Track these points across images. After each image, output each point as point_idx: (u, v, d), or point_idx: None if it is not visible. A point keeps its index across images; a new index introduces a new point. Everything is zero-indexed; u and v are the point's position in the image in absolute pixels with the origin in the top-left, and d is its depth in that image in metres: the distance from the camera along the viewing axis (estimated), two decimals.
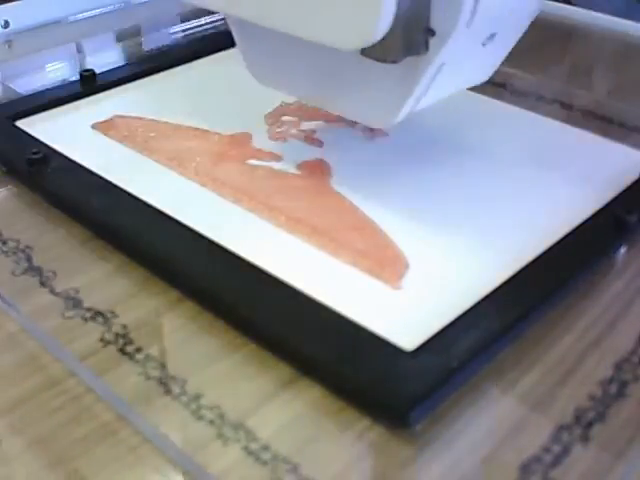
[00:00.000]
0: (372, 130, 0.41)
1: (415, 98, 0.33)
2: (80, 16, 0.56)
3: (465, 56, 0.33)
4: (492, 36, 0.33)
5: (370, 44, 0.29)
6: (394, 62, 0.30)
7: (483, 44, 0.33)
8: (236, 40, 0.38)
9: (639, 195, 0.36)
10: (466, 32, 0.30)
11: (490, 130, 0.42)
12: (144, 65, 0.48)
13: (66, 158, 0.38)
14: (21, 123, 0.42)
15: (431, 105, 0.35)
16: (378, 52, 0.30)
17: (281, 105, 0.44)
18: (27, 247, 0.34)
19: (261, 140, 0.41)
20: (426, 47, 0.30)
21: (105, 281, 0.32)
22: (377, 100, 0.34)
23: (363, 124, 0.37)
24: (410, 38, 0.30)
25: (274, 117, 0.43)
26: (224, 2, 0.34)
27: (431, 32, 0.30)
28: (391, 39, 0.29)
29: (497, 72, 0.37)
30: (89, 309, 0.30)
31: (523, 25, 0.36)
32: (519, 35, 0.36)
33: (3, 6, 0.53)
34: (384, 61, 0.30)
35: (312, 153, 0.39)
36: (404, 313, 0.29)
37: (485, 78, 0.38)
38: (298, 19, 0.31)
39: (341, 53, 0.31)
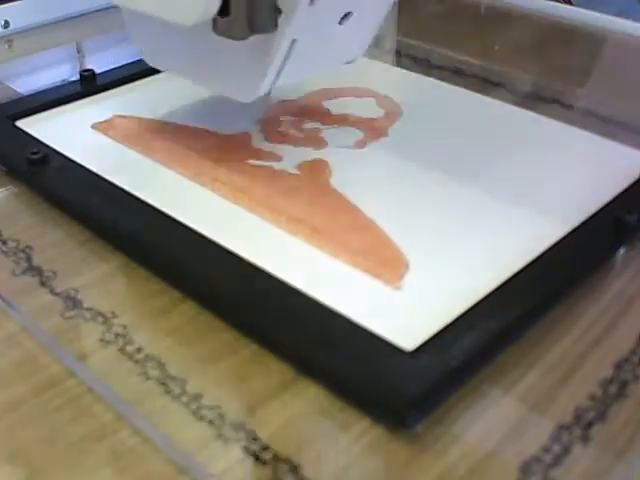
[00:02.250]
0: (372, 130, 0.41)
1: (274, 72, 0.35)
2: (80, 16, 0.56)
3: (320, 34, 0.36)
4: (347, 15, 0.36)
5: (202, 20, 0.32)
6: (242, 39, 0.32)
7: (340, 23, 0.36)
8: (126, 25, 0.40)
9: (639, 195, 0.36)
10: (312, 10, 0.33)
11: (490, 130, 0.42)
12: (144, 65, 0.48)
13: (66, 158, 0.38)
14: (21, 123, 0.42)
15: (296, 80, 0.39)
16: (225, 30, 0.32)
17: (280, 105, 0.44)
18: (27, 247, 0.34)
19: (261, 140, 0.41)
20: (275, 25, 0.32)
21: (105, 281, 0.32)
22: (239, 75, 0.36)
23: (230, 98, 0.38)
24: (258, 16, 0.32)
25: (273, 117, 0.43)
26: None
27: (278, 10, 0.32)
28: (236, 17, 0.32)
29: (497, 72, 0.37)
30: (89, 309, 0.30)
31: (385, 5, 0.38)
32: (382, 14, 0.39)
33: (3, 6, 0.53)
34: (232, 38, 0.32)
35: (312, 153, 0.40)
36: (404, 313, 0.29)
37: (356, 56, 0.40)
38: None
39: (210, 32, 0.33)
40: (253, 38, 0.32)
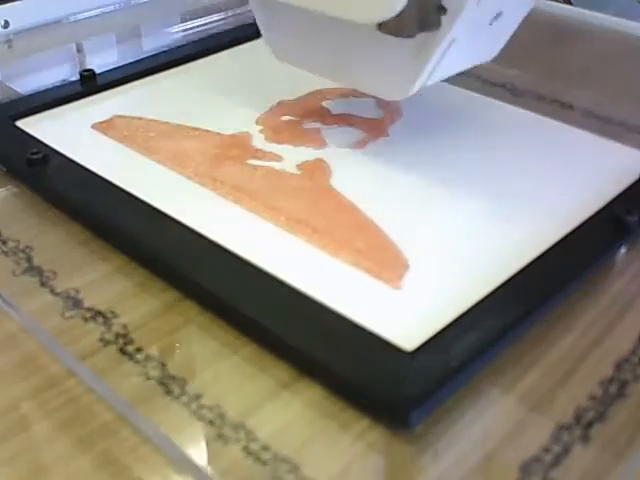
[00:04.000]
0: (373, 130, 0.41)
1: (427, 72, 0.35)
2: (80, 16, 0.56)
3: (473, 33, 0.35)
4: (498, 15, 0.36)
5: (387, 18, 0.31)
6: (410, 37, 0.33)
7: (490, 23, 0.36)
8: (257, 19, 0.41)
9: (639, 195, 0.36)
10: (475, 10, 0.33)
11: (490, 130, 0.42)
12: (144, 65, 0.48)
13: (66, 158, 0.38)
14: (21, 123, 0.42)
15: (441, 79, 0.38)
16: (394, 27, 0.33)
17: (280, 105, 0.44)
18: (27, 247, 0.34)
19: (261, 140, 0.41)
20: (439, 23, 0.33)
21: (105, 281, 0.32)
22: (391, 74, 0.36)
23: (378, 97, 0.40)
24: (424, 15, 0.32)
25: (273, 117, 0.43)
26: None
27: (443, 9, 0.32)
28: (407, 15, 0.32)
29: (497, 72, 0.37)
30: (89, 309, 0.30)
31: (526, 7, 0.38)
32: (522, 17, 0.38)
33: (3, 6, 0.53)
34: (400, 36, 0.33)
35: (312, 153, 0.40)
36: (404, 313, 0.29)
37: (490, 57, 0.39)
38: None
39: (357, 29, 0.34)
40: (402, 38, 0.33)
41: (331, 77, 0.40)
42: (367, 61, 0.37)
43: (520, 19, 0.38)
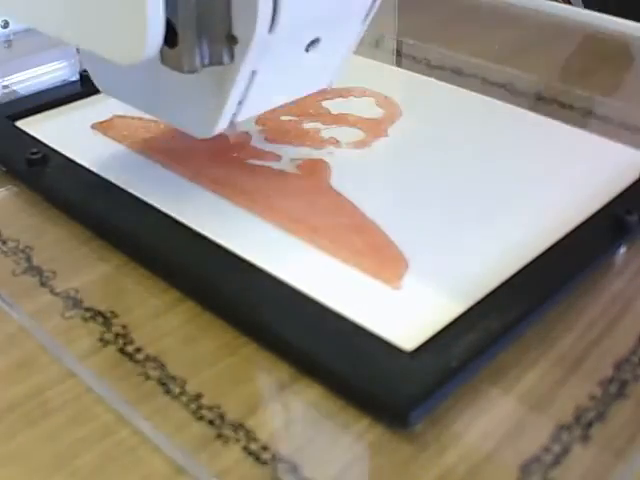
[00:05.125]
0: (372, 130, 0.41)
1: (232, 107, 0.32)
2: None
3: (284, 63, 0.32)
4: (315, 42, 0.33)
5: (143, 60, 0.28)
6: (191, 72, 0.29)
7: (306, 50, 0.33)
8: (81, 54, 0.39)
9: (639, 195, 0.36)
10: (273, 38, 0.29)
11: (490, 130, 0.42)
12: None
13: (66, 158, 0.38)
14: (21, 123, 0.42)
15: (258, 113, 0.36)
16: (175, 61, 0.29)
17: (280, 105, 0.44)
18: (27, 247, 0.34)
19: (261, 140, 0.41)
20: (231, 56, 0.29)
21: (105, 281, 0.32)
22: (196, 110, 0.33)
23: (189, 133, 0.35)
24: (210, 47, 0.29)
25: (273, 117, 0.43)
26: (29, 17, 0.33)
27: (233, 39, 0.29)
28: (185, 48, 0.28)
29: (497, 72, 0.37)
30: (89, 309, 0.30)
31: (357, 28, 0.35)
32: (355, 38, 0.35)
33: None
34: (180, 71, 0.29)
35: (312, 153, 0.40)
36: (404, 313, 0.29)
37: (324, 85, 0.37)
38: (81, 30, 0.30)
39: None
40: (209, 70, 0.30)
41: (147, 111, 0.37)
42: (176, 96, 0.34)
43: (352, 41, 0.35)
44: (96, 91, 0.45)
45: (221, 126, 0.33)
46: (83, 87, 0.46)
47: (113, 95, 0.38)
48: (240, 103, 0.32)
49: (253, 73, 0.31)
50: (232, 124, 0.33)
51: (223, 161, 0.39)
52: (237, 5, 0.28)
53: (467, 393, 0.26)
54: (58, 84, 0.47)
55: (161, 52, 0.29)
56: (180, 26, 0.28)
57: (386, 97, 0.45)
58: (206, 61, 0.29)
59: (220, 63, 0.29)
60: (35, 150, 0.38)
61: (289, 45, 0.32)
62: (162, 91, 0.34)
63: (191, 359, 0.28)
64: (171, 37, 0.28)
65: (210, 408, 0.26)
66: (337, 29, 0.34)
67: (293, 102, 0.36)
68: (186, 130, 0.35)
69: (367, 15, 0.35)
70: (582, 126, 0.42)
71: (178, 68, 0.29)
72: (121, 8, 0.27)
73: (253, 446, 0.25)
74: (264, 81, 0.32)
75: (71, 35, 0.31)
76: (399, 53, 0.54)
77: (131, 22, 0.27)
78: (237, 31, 0.29)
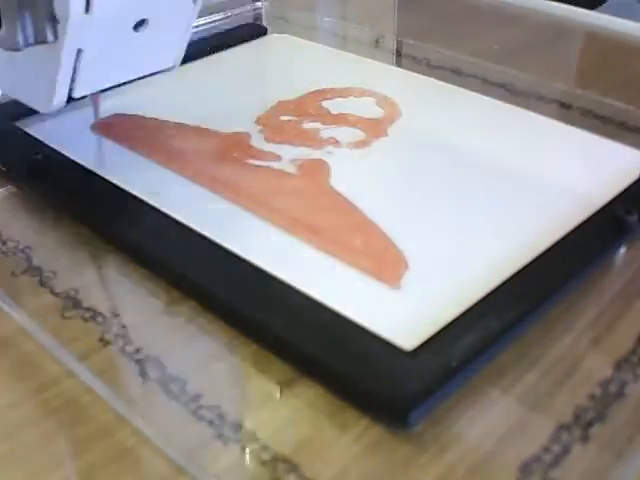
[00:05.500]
0: (372, 130, 0.41)
1: (65, 84, 0.34)
2: None
3: (112, 43, 0.34)
4: (143, 22, 0.34)
5: None
6: (17, 50, 0.31)
7: (135, 30, 0.34)
8: None
9: (639, 195, 0.36)
10: (92, 19, 0.31)
11: (489, 130, 0.42)
12: None
13: (66, 158, 0.38)
14: (21, 123, 0.42)
15: (96, 90, 0.37)
16: (2, 39, 0.32)
17: (280, 105, 0.44)
18: (27, 247, 0.34)
19: (261, 140, 0.41)
20: (54, 34, 0.31)
21: (105, 281, 0.32)
22: (36, 86, 0.35)
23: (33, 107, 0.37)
24: (35, 25, 0.31)
25: (272, 117, 0.43)
26: None
27: (55, 20, 0.31)
28: (8, 27, 0.31)
29: (497, 72, 0.37)
30: (89, 309, 0.30)
31: (188, 9, 0.37)
32: (190, 18, 0.37)
33: None
34: (7, 49, 0.32)
35: (312, 153, 0.39)
36: (404, 313, 0.29)
37: (165, 65, 0.39)
38: None
39: None
40: (41, 48, 0.32)
41: (6, 91, 0.39)
42: (23, 72, 0.36)
43: (188, 21, 0.37)
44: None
45: (57, 103, 0.34)
46: None
47: None
48: (73, 80, 0.34)
49: (79, 51, 0.33)
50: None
51: (223, 161, 0.39)
52: None
53: (467, 393, 0.26)
54: None
55: None
56: (1, 5, 0.31)
57: (386, 97, 0.45)
58: (30, 40, 0.32)
59: (44, 42, 0.32)
60: (35, 150, 0.38)
61: (113, 25, 0.33)
62: (14, 70, 0.36)
63: (191, 359, 0.28)
64: None
65: (210, 408, 0.26)
66: (164, 10, 0.36)
67: (131, 81, 0.38)
68: (33, 106, 0.36)
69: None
70: (582, 126, 0.42)
71: (4, 46, 0.32)
72: None
73: (253, 446, 0.25)
74: (94, 60, 0.34)
75: None
76: (399, 53, 0.54)
77: None
78: (57, 11, 0.31)
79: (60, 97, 0.34)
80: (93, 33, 0.32)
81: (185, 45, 0.38)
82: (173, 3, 0.36)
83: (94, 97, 0.38)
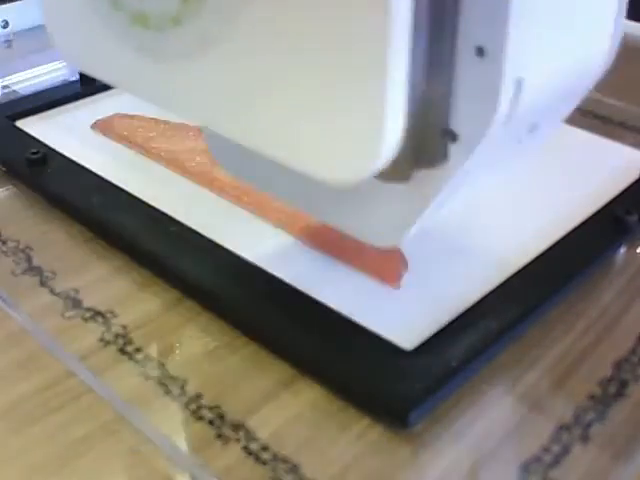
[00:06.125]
0: None
1: (428, 215, 0.25)
2: None
3: (496, 158, 0.26)
4: (532, 129, 0.25)
5: (368, 177, 0.21)
6: (405, 180, 0.24)
7: (519, 141, 0.26)
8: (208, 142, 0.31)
9: (639, 195, 0.36)
10: (502, 131, 0.22)
11: None
12: None
13: (66, 158, 0.38)
14: (21, 123, 0.42)
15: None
16: (386, 171, 0.21)
17: None
18: (27, 247, 0.34)
19: None
20: (445, 155, 0.23)
21: (105, 281, 0.32)
22: (378, 218, 0.26)
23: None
24: (421, 146, 0.23)
25: None
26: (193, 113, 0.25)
27: (452, 135, 0.22)
28: (399, 155, 0.21)
29: None
30: (89, 309, 0.30)
31: (564, 114, 0.28)
32: (559, 123, 0.28)
33: (3, 6, 0.53)
34: (390, 181, 0.24)
35: None
36: (404, 313, 0.29)
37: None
38: (275, 139, 0.23)
39: None
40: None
41: (302, 208, 0.30)
42: (346, 198, 0.27)
43: (555, 126, 0.28)
44: (96, 91, 0.46)
45: (411, 235, 0.26)
46: (83, 87, 0.45)
47: (255, 185, 0.31)
48: (437, 208, 0.25)
49: (465, 175, 0.24)
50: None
51: None
52: (461, 97, 0.22)
53: (467, 393, 0.26)
54: (58, 84, 0.47)
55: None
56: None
57: None
58: (415, 165, 0.24)
59: (430, 166, 0.23)
60: (35, 150, 0.38)
61: (510, 137, 0.25)
62: (328, 192, 0.27)
63: (191, 359, 0.28)
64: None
65: (210, 408, 0.26)
66: (551, 116, 0.27)
67: None
68: (362, 239, 0.28)
69: (572, 103, 0.28)
70: (582, 126, 0.42)
71: (386, 179, 0.24)
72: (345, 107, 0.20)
73: (253, 446, 0.25)
74: (468, 181, 0.26)
75: (271, 149, 0.23)
76: None
77: (361, 128, 0.20)
78: (457, 124, 0.22)
79: (416, 228, 0.25)
80: (489, 150, 0.23)
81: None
82: (560, 110, 0.27)
83: None
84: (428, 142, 0.23)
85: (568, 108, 0.28)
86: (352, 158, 0.21)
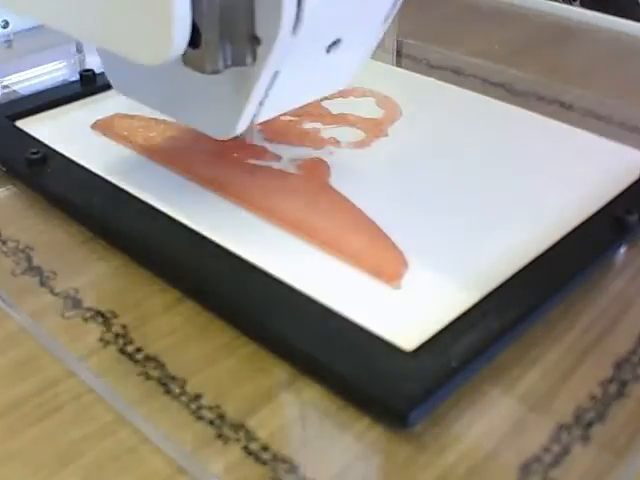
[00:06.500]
0: (372, 130, 0.41)
1: (253, 107, 0.32)
2: None
3: (306, 64, 0.32)
4: (336, 42, 0.32)
5: (168, 60, 0.28)
6: (214, 73, 0.29)
7: (327, 51, 0.32)
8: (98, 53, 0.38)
9: (639, 195, 0.36)
10: (296, 39, 0.29)
11: (490, 130, 0.42)
12: None
13: (66, 158, 0.38)
14: (21, 123, 0.42)
15: (277, 114, 0.34)
16: (197, 62, 0.29)
17: None
18: (27, 247, 0.34)
19: (261, 140, 0.41)
20: (253, 56, 0.29)
21: (105, 281, 0.32)
22: (216, 111, 0.33)
23: (206, 133, 0.34)
24: (234, 47, 0.29)
25: (273, 116, 0.43)
26: (44, 14, 0.33)
27: (256, 40, 0.28)
28: (208, 49, 0.28)
29: (497, 72, 0.36)
30: (89, 309, 0.30)
31: (377, 29, 0.35)
32: (375, 39, 0.35)
33: None
34: (204, 72, 0.29)
35: (312, 153, 0.39)
36: (404, 313, 0.29)
37: (342, 86, 0.37)
38: (103, 31, 0.30)
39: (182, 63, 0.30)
40: (230, 70, 0.29)
41: (168, 113, 0.37)
42: (194, 97, 0.33)
43: (372, 42, 0.35)
44: (96, 91, 0.46)
45: (241, 127, 0.32)
46: (83, 87, 0.46)
47: (130, 95, 0.38)
48: (261, 104, 0.32)
49: (275, 74, 0.30)
50: (251, 126, 0.33)
51: (223, 161, 0.39)
52: (261, 5, 0.28)
53: (467, 393, 0.26)
54: (58, 84, 0.47)
55: (183, 53, 0.28)
56: (204, 27, 0.28)
57: (386, 97, 0.45)
58: (228, 62, 0.29)
59: (243, 64, 0.29)
60: (35, 150, 0.38)
61: (312, 46, 0.31)
62: (181, 92, 0.34)
63: (191, 359, 0.28)
64: (194, 38, 0.28)
65: (210, 408, 0.26)
66: (357, 30, 0.33)
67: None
68: (204, 131, 0.34)
69: (387, 17, 0.34)
70: (582, 126, 0.42)
71: (200, 69, 0.29)
72: (146, 8, 0.27)
73: (253, 446, 0.25)
74: (285, 82, 0.31)
75: (91, 35, 0.31)
76: (399, 53, 0.54)
77: (157, 22, 0.27)
78: (260, 32, 0.28)
79: (245, 122, 0.32)
80: (292, 54, 0.30)
81: (360, 66, 0.36)
82: (366, 23, 0.34)
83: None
84: (240, 45, 0.29)
85: (375, 28, 0.34)
86: (153, 45, 0.28)
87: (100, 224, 0.34)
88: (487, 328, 0.28)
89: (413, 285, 0.31)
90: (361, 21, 0.33)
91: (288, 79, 0.31)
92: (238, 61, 0.29)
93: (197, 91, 0.33)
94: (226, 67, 0.29)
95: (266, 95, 0.31)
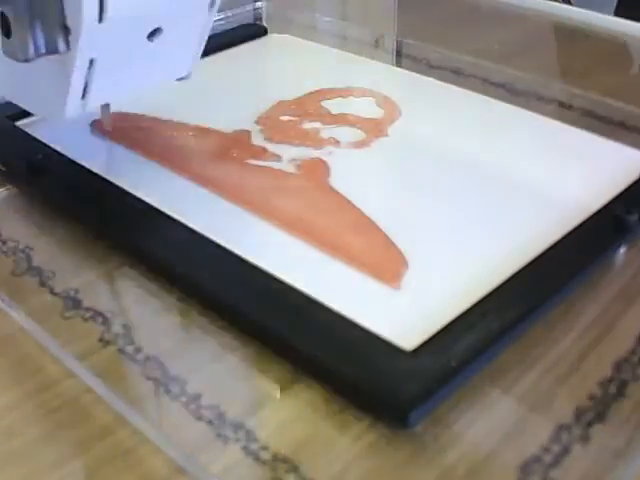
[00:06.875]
0: (372, 130, 0.41)
1: (76, 93, 0.33)
2: None
3: (126, 52, 0.34)
4: (158, 31, 0.34)
5: None
6: (27, 61, 0.31)
7: (149, 39, 0.34)
8: None
9: (639, 195, 0.36)
10: (105, 28, 0.31)
11: (489, 130, 0.42)
12: None
13: (66, 158, 0.38)
14: (21, 123, 0.42)
15: (110, 100, 0.37)
16: (10, 51, 0.31)
17: (280, 105, 0.44)
18: (27, 247, 0.34)
19: (260, 140, 0.41)
20: (67, 44, 0.31)
21: (105, 281, 0.32)
22: (47, 95, 0.35)
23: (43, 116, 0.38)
24: (46, 36, 0.31)
25: (272, 116, 0.43)
26: None
27: (67, 30, 0.31)
28: (19, 38, 0.30)
29: (497, 72, 0.36)
30: (89, 309, 0.30)
31: (203, 17, 0.36)
32: (205, 27, 0.37)
33: None
34: (17, 60, 0.31)
35: (312, 153, 0.39)
36: (404, 313, 0.29)
37: (179, 74, 0.38)
38: None
39: None
40: (53, 58, 0.31)
41: (12, 99, 0.38)
42: (31, 82, 0.35)
43: (201, 30, 0.37)
44: None
45: (71, 111, 0.34)
46: None
47: None
48: (86, 89, 0.34)
49: (92, 61, 0.32)
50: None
51: (223, 161, 0.39)
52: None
53: (467, 393, 0.26)
54: None
55: (2, 41, 0.31)
56: (12, 17, 0.30)
57: (386, 97, 0.45)
58: (42, 50, 0.31)
59: (56, 52, 0.31)
60: (35, 150, 0.38)
61: (127, 34, 0.33)
62: (21, 79, 0.36)
63: (191, 359, 0.28)
64: (6, 27, 0.31)
65: (210, 408, 0.26)
66: (179, 19, 0.35)
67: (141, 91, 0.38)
68: (42, 115, 0.38)
69: (212, 4, 0.36)
70: (582, 126, 0.42)
71: (14, 57, 0.31)
72: None
73: (253, 446, 0.25)
74: (106, 69, 0.33)
75: None
76: (399, 53, 0.54)
77: None
78: (69, 21, 0.31)
79: (73, 108, 0.34)
80: (106, 42, 0.32)
81: (200, 53, 0.38)
82: (188, 11, 0.35)
83: (104, 108, 0.38)
84: (53, 34, 0.31)
85: (201, 17, 0.36)
86: None
87: (100, 224, 0.34)
88: (487, 328, 0.28)
89: (413, 285, 0.31)
90: (182, 9, 0.35)
91: (109, 66, 0.33)
92: (51, 49, 0.31)
93: (32, 77, 0.35)
94: (39, 55, 0.31)
95: (90, 81, 0.33)
